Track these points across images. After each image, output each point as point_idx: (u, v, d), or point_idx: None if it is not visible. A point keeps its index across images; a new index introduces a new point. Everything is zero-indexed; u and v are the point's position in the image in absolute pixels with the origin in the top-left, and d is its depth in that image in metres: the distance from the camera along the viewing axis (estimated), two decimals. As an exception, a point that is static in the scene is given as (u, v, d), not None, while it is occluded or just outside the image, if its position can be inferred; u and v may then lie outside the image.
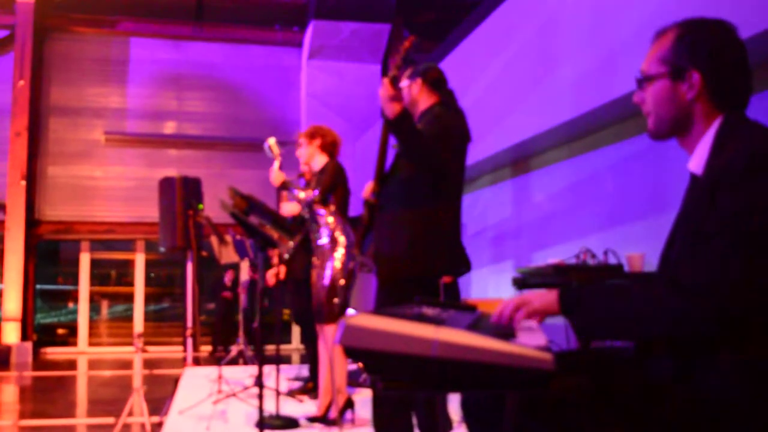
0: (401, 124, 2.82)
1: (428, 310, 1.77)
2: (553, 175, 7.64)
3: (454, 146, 3.12)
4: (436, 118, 3.12)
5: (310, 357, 6.02)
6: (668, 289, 1.45)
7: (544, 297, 1.59)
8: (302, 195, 4.59)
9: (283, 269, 5.66)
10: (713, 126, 1.60)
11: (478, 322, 1.69)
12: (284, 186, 4.66)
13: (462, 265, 3.27)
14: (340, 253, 4.57)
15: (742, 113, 1.61)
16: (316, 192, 4.60)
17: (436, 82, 3.31)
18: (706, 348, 1.47)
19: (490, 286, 8.64)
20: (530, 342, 1.36)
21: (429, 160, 2.95)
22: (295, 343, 13.57)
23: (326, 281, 4.54)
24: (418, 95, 3.26)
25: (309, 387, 6.02)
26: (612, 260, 4.16)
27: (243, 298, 12.84)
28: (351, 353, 1.34)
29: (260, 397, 3.74)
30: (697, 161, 1.61)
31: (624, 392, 1.52)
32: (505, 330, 1.57)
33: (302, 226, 5.16)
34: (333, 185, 4.71)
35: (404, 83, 3.25)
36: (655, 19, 4.95)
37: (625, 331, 1.53)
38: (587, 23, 6.02)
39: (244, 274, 12.93)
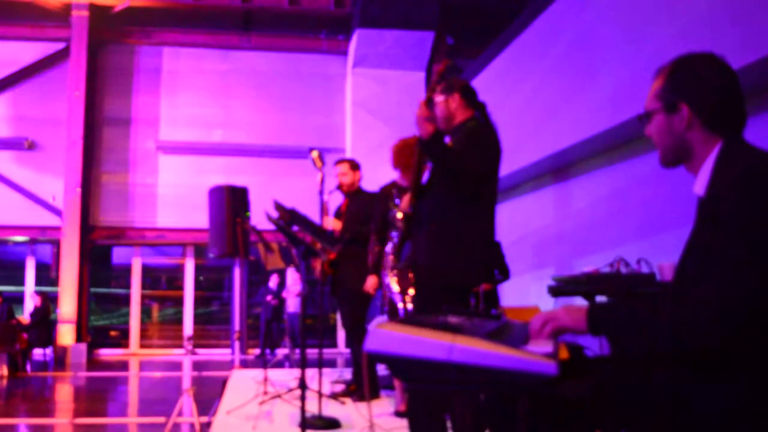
0: (433, 144, 3.00)
1: (453, 318, 1.91)
2: (593, 182, 7.69)
3: (487, 160, 3.26)
4: (471, 133, 3.26)
5: (354, 360, 6.18)
6: (695, 305, 1.53)
7: (572, 314, 1.69)
8: None
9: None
10: (714, 151, 1.73)
11: (500, 329, 1.82)
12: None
13: (496, 273, 3.39)
14: None
15: (740, 137, 1.73)
16: None
17: (472, 97, 3.46)
18: (709, 366, 1.58)
19: (531, 292, 8.70)
20: (538, 349, 1.50)
21: (460, 176, 3.10)
22: (341, 347, 13.75)
23: None
24: (456, 110, 3.40)
25: (352, 389, 6.17)
26: (645, 269, 4.25)
27: (288, 303, 13.10)
28: (376, 357, 1.50)
29: (302, 398, 3.91)
30: (700, 183, 1.74)
31: (627, 400, 1.64)
32: (521, 337, 1.71)
33: (342, 238, 5.34)
34: None
35: (440, 98, 3.39)
36: (689, 29, 4.99)
37: (655, 346, 1.60)
38: (624, 33, 6.09)
39: (290, 278, 13.17)
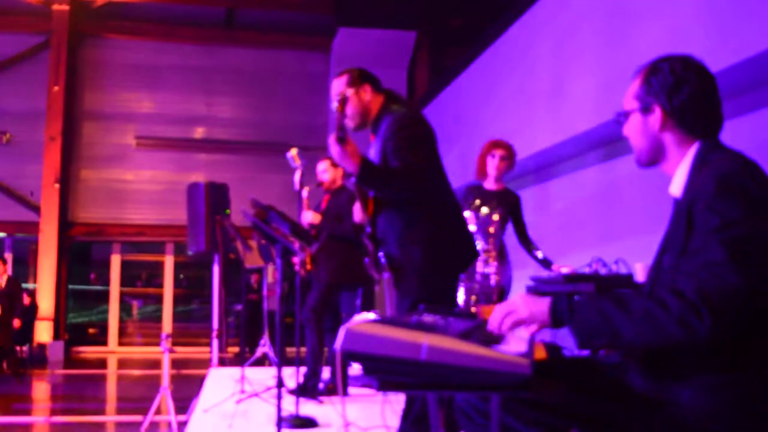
0: (366, 174, 2.86)
1: (428, 318, 1.89)
2: (574, 183, 7.72)
3: (428, 147, 3.13)
4: (401, 124, 3.08)
5: (331, 359, 6.15)
6: (674, 299, 1.51)
7: (533, 307, 1.66)
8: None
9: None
10: (690, 152, 1.74)
11: (474, 328, 1.81)
12: None
13: (471, 257, 3.31)
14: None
15: (716, 140, 1.74)
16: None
17: (377, 83, 3.31)
18: (685, 365, 1.59)
19: (513, 291, 8.70)
20: (512, 349, 1.49)
21: (404, 188, 2.99)
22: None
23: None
24: (371, 101, 3.24)
25: (330, 388, 6.13)
26: (623, 270, 4.26)
27: (269, 301, 13.02)
28: (350, 356, 1.48)
29: (279, 397, 3.89)
30: (677, 185, 1.75)
31: (601, 400, 1.64)
32: (495, 337, 1.70)
33: (320, 235, 5.33)
34: None
35: (350, 91, 3.22)
36: (665, 34, 5.02)
37: (624, 340, 1.58)
38: (605, 33, 6.11)
39: (270, 276, 13.11)
